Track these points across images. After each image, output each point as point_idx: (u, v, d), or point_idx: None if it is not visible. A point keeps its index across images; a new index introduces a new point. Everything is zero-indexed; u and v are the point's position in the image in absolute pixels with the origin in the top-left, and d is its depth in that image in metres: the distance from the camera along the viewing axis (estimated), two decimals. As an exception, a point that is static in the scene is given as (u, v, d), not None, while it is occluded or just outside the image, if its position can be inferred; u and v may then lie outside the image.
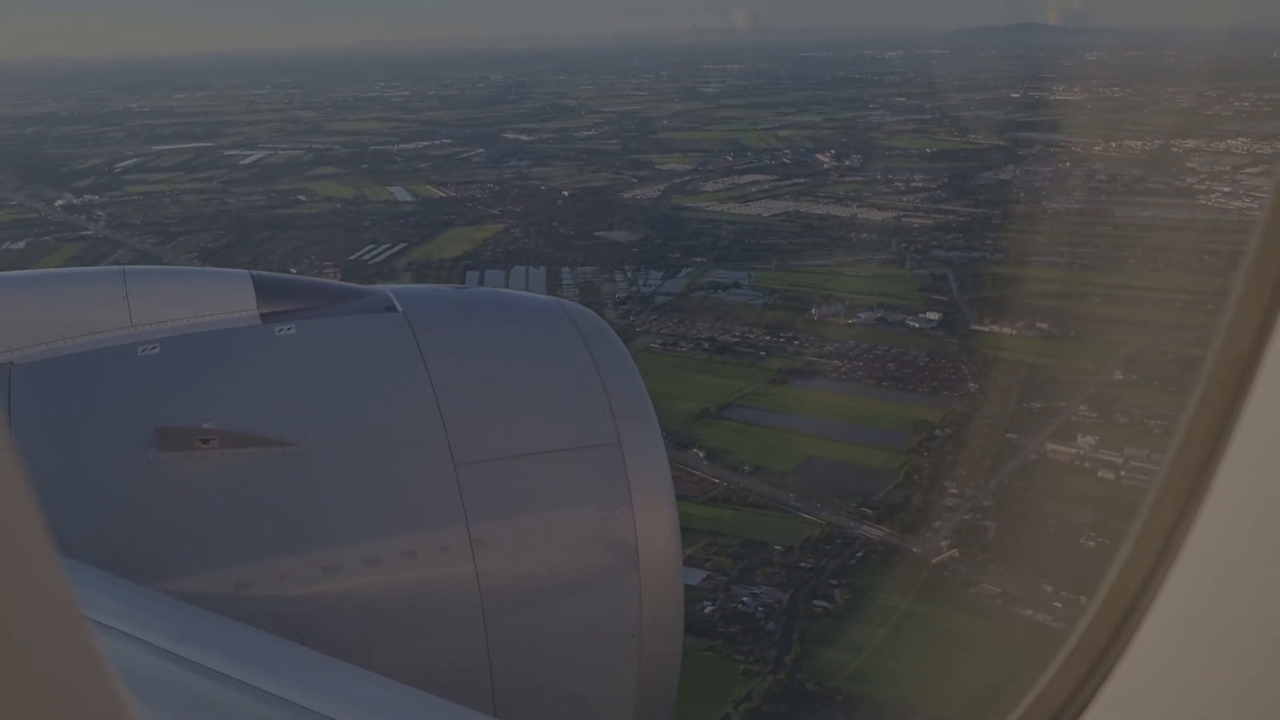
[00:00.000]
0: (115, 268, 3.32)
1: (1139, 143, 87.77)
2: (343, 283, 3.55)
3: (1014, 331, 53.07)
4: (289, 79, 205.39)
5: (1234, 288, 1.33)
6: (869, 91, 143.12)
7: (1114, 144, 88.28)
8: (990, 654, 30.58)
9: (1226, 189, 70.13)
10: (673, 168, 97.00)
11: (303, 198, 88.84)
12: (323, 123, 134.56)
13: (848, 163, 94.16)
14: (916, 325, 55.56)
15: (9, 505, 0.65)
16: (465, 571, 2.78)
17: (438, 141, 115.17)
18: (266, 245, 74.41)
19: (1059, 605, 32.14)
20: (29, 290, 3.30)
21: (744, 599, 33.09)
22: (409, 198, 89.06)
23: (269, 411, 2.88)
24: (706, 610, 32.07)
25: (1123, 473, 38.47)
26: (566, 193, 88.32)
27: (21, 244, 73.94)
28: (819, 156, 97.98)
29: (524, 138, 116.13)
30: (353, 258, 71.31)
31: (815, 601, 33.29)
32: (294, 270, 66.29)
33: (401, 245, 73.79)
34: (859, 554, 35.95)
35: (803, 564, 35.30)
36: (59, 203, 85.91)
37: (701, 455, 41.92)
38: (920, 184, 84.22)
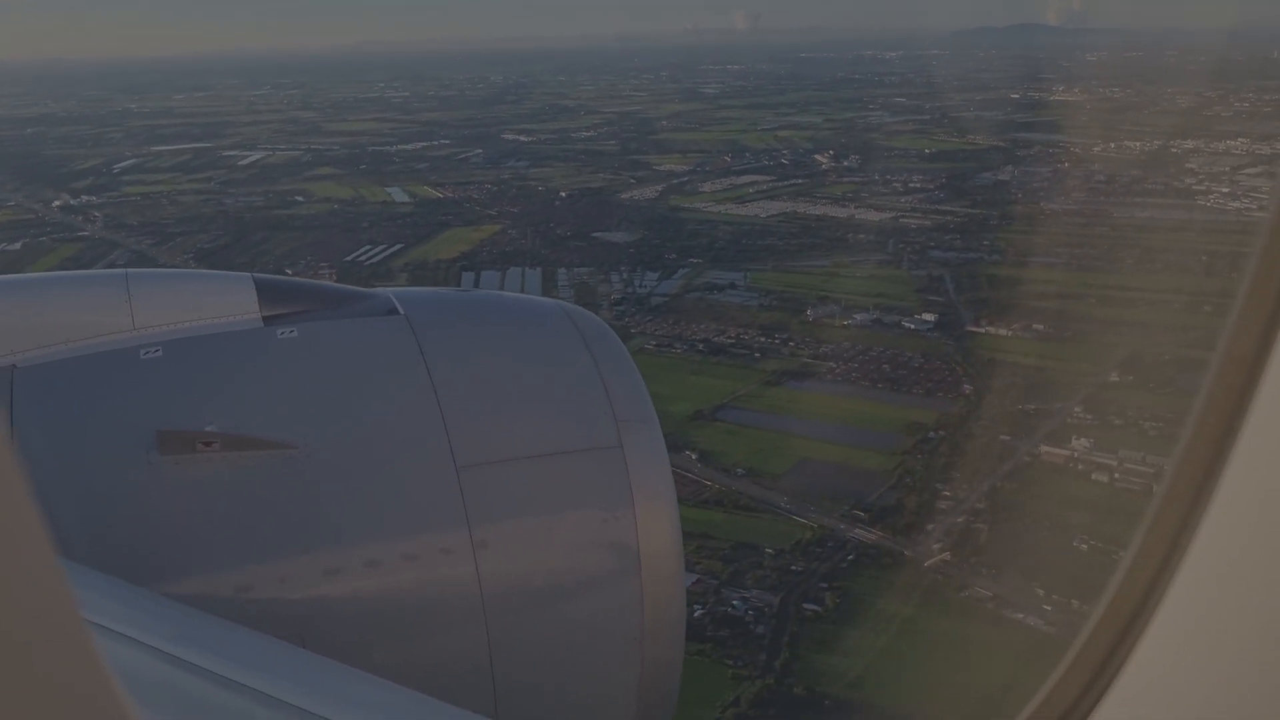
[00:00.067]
0: (117, 271, 3.31)
1: (1138, 143, 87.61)
2: (345, 285, 3.54)
3: (1010, 333, 52.91)
4: (289, 79, 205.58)
5: (1239, 290, 1.32)
6: (868, 92, 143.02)
7: (1113, 145, 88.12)
8: (981, 658, 30.44)
9: (1225, 190, 69.96)
10: (671, 168, 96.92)
11: (300, 198, 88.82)
12: (322, 123, 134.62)
13: (846, 163, 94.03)
14: (912, 326, 55.41)
15: (9, 507, 0.65)
16: (467, 574, 2.77)
17: (436, 142, 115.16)
18: (263, 246, 74.39)
19: (1048, 608, 32.01)
20: (31, 293, 3.31)
21: (734, 602, 32.95)
22: (406, 199, 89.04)
23: (271, 414, 2.88)
24: (696, 614, 31.92)
25: (1116, 475, 38.31)
26: (564, 193, 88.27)
27: (18, 245, 73.94)
28: (817, 157, 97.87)
29: (523, 138, 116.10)
30: (349, 258, 71.28)
31: (805, 605, 33.13)
32: (290, 271, 66.23)
33: (398, 246, 73.74)
34: (850, 557, 35.80)
35: (794, 567, 35.14)
36: (56, 203, 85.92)
37: (694, 457, 41.80)
38: (918, 185, 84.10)
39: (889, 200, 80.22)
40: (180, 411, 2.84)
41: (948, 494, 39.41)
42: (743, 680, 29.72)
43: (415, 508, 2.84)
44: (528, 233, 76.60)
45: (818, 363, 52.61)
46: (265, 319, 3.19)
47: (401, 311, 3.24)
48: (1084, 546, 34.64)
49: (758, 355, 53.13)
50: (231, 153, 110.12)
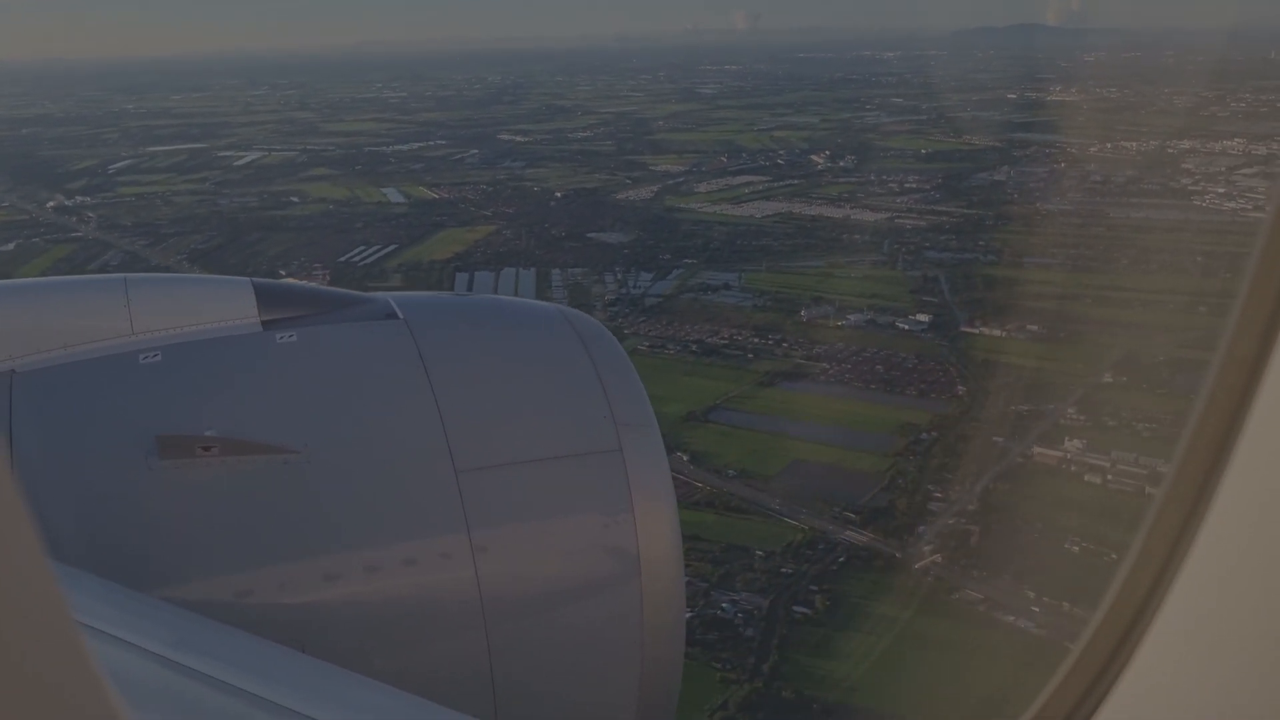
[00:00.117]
0: (116, 275, 3.31)
1: (1135, 144, 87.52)
2: (344, 290, 3.54)
3: (1004, 334, 52.78)
4: (287, 80, 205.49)
5: (1239, 291, 1.32)
6: (866, 92, 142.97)
7: (1110, 145, 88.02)
8: (971, 661, 30.29)
9: (1221, 190, 69.85)
10: (667, 169, 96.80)
11: (295, 199, 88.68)
12: (319, 124, 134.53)
13: (842, 164, 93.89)
14: (906, 327, 55.25)
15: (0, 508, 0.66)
16: (467, 578, 2.77)
17: (433, 143, 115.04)
18: (257, 247, 74.28)
19: (1037, 610, 31.85)
20: (30, 298, 3.32)
21: (723, 605, 32.78)
22: (402, 199, 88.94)
23: (271, 419, 2.88)
24: (685, 617, 31.72)
25: (1109, 477, 38.17)
26: (559, 194, 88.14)
27: (11, 245, 73.88)
28: (813, 157, 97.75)
29: (519, 139, 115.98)
30: (343, 259, 71.15)
31: (795, 608, 32.96)
32: (284, 272, 66.11)
33: (392, 247, 73.60)
34: (841, 559, 35.63)
35: (784, 569, 34.98)
36: (50, 204, 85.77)
37: (686, 459, 41.64)
38: (914, 185, 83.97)
39: (885, 201, 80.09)
40: (180, 416, 2.85)
41: (940, 496, 39.25)
42: (731, 684, 29.56)
43: (415, 512, 2.84)
44: (522, 233, 76.45)
45: (811, 364, 52.46)
46: (264, 323, 3.20)
47: (400, 315, 3.25)
48: (1076, 549, 34.49)
49: (751, 356, 52.97)
50: (227, 153, 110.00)
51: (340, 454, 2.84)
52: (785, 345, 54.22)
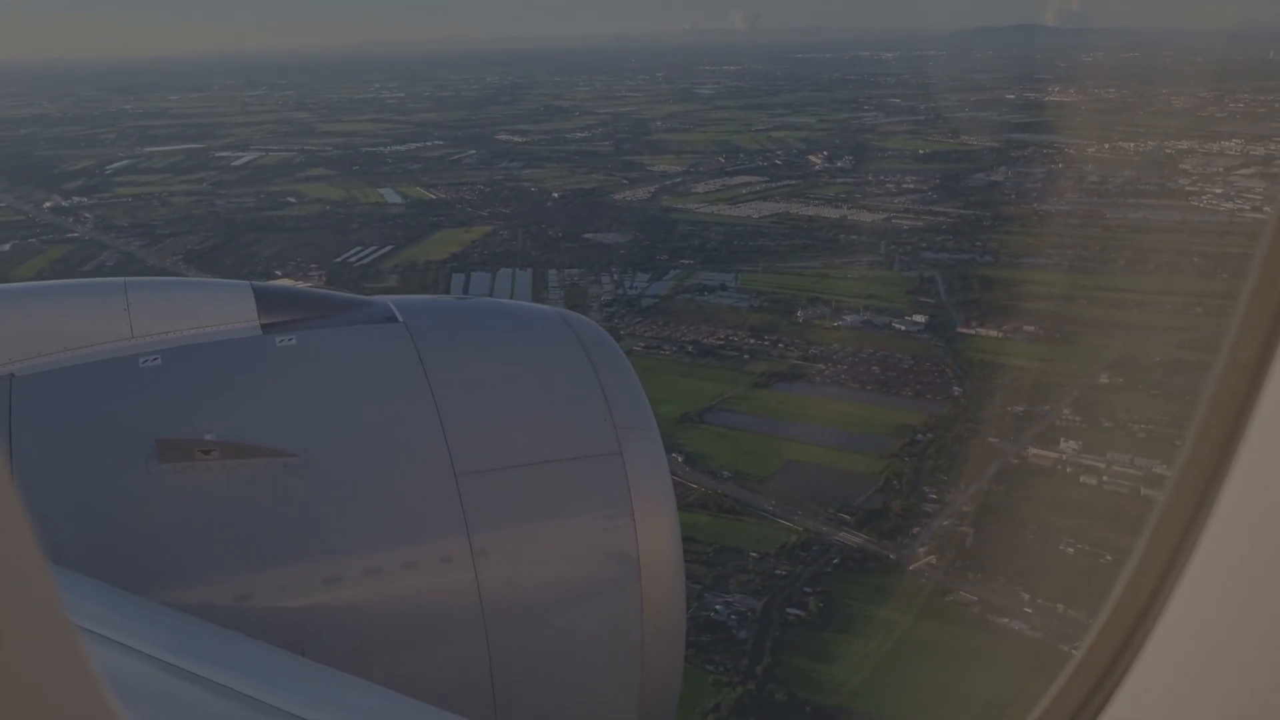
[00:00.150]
0: (116, 279, 3.31)
1: (1132, 144, 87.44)
2: (343, 293, 3.54)
3: (1000, 334, 52.68)
4: (285, 80, 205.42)
5: (1242, 293, 1.32)
6: (864, 92, 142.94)
7: (1107, 145, 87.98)
8: (963, 664, 30.18)
9: (1219, 190, 69.77)
10: (664, 169, 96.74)
11: (292, 200, 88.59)
12: (316, 124, 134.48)
13: (840, 164, 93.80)
14: (902, 328, 55.14)
15: None
16: (466, 582, 2.77)
17: (430, 143, 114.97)
18: (253, 247, 74.17)
19: (1030, 612, 31.73)
20: (30, 302, 3.32)
21: (717, 607, 32.65)
22: (399, 200, 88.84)
23: (270, 422, 2.89)
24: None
25: (1104, 478, 38.08)
26: (556, 194, 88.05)
27: (7, 246, 73.79)
28: (811, 158, 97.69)
29: (517, 139, 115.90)
30: (339, 260, 71.03)
31: (788, 609, 32.84)
32: (279, 273, 66.02)
33: (389, 247, 73.48)
34: (835, 561, 35.49)
35: (778, 571, 34.86)
36: (47, 205, 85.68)
37: (680, 460, 41.50)
38: (912, 185, 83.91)
39: (882, 201, 79.99)
40: (179, 420, 2.85)
41: (934, 497, 39.13)
42: (724, 686, 29.43)
43: (414, 515, 2.83)
44: (519, 234, 76.32)
45: (807, 364, 52.33)
46: (264, 327, 3.20)
47: (400, 319, 3.25)
48: (1071, 550, 34.39)
49: (747, 357, 52.86)
50: (224, 154, 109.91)
51: (340, 457, 2.84)
52: (781, 346, 54.12)
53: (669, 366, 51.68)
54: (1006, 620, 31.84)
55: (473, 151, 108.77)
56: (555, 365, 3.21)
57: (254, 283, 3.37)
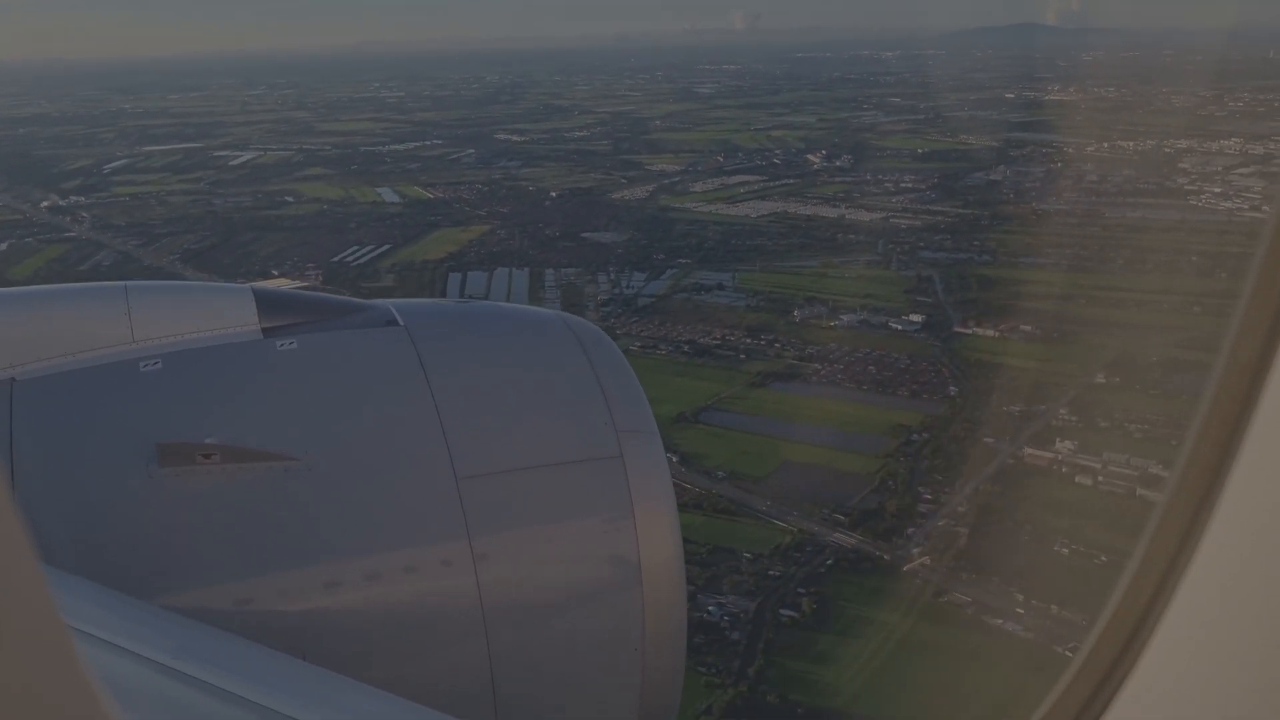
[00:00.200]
0: (117, 283, 3.32)
1: (1131, 143, 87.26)
2: (344, 297, 3.53)
3: (997, 334, 52.54)
4: (285, 79, 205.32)
5: (1242, 293, 1.32)
6: (864, 92, 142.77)
7: (1106, 145, 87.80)
8: (957, 665, 30.06)
9: (1217, 189, 69.61)
10: (663, 168, 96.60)
11: (290, 199, 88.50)
12: (315, 124, 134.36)
13: (838, 163, 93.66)
14: (899, 328, 55.00)
15: None
16: (467, 585, 2.77)
17: (429, 142, 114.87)
18: (251, 247, 74.07)
19: (1023, 613, 31.60)
20: (31, 306, 3.32)
21: (710, 608, 32.52)
22: (396, 199, 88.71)
23: (271, 426, 2.89)
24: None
25: (1100, 478, 37.94)
26: (554, 194, 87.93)
27: (4, 245, 73.74)
28: (810, 157, 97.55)
29: (515, 138, 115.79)
30: (336, 259, 70.90)
31: (782, 611, 32.70)
32: (276, 272, 65.91)
33: (386, 247, 73.35)
34: (829, 561, 35.35)
35: (771, 572, 34.72)
36: (45, 204, 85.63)
37: (675, 460, 41.37)
38: (910, 185, 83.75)
39: (880, 200, 79.84)
40: (180, 423, 2.85)
41: (930, 497, 39.00)
42: (716, 688, 29.30)
43: (416, 519, 2.84)
44: (516, 233, 76.19)
45: (804, 364, 52.20)
46: (264, 330, 3.20)
47: (401, 322, 3.26)
48: (1066, 551, 34.26)
49: (743, 357, 52.73)
50: (223, 153, 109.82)
51: (341, 461, 2.85)
52: (778, 346, 53.98)
53: (665, 366, 51.56)
54: (1000, 621, 31.72)
55: (471, 151, 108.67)
56: (556, 368, 3.21)
57: (254, 286, 3.37)
